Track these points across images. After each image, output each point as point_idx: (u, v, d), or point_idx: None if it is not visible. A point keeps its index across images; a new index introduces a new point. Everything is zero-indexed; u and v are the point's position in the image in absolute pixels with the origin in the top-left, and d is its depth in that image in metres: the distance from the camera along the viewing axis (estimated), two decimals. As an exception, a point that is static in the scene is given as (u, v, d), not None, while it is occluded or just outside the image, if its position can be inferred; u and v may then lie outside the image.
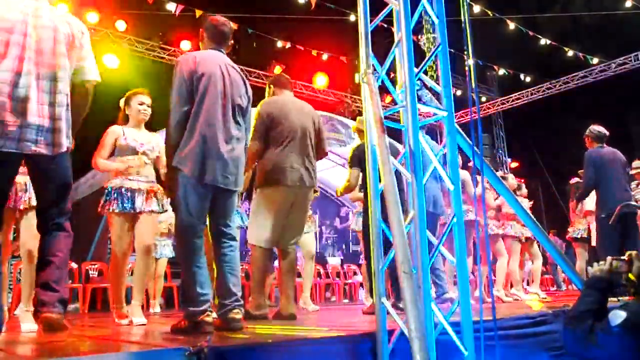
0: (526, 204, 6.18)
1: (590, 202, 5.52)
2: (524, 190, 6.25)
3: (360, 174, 3.85)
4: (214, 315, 2.52)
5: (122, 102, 3.63)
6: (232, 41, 2.91)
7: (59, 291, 2.15)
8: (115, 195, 3.41)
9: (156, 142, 3.62)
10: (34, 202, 2.88)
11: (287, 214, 3.47)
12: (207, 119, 2.54)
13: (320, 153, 3.70)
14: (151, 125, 3.69)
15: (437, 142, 4.12)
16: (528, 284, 7.08)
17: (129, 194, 3.43)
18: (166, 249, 6.21)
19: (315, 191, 3.67)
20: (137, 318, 3.39)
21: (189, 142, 2.51)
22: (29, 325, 2.89)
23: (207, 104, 2.55)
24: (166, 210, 3.71)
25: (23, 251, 3.13)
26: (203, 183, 2.50)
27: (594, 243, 5.83)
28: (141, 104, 3.57)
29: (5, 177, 2.24)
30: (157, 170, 3.63)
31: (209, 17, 2.87)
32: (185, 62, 2.59)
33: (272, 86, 3.74)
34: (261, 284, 3.45)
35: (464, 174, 5.07)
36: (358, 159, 3.82)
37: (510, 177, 6.25)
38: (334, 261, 10.74)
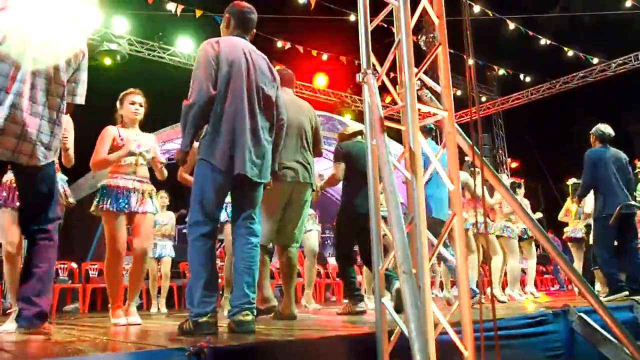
0: (526, 203, 6.22)
1: (591, 204, 5.54)
2: (522, 190, 6.30)
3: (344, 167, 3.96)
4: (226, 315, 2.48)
5: (118, 103, 3.63)
6: (255, 30, 2.80)
7: (40, 305, 2.17)
8: (110, 193, 3.38)
9: (152, 143, 3.61)
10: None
11: (282, 210, 3.43)
12: (233, 107, 2.46)
13: (317, 152, 3.67)
14: (146, 125, 3.70)
15: (436, 142, 4.13)
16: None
17: (124, 192, 3.41)
18: (167, 249, 6.21)
19: (313, 190, 3.61)
20: (132, 317, 3.41)
21: (214, 132, 2.44)
22: (7, 326, 2.79)
23: (232, 92, 2.48)
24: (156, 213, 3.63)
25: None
26: (231, 174, 2.43)
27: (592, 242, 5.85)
28: (132, 103, 3.55)
29: None
30: (151, 171, 3.62)
31: (234, 3, 2.76)
32: (209, 46, 2.51)
33: None
34: (265, 280, 3.43)
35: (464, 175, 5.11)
36: (342, 155, 3.98)
37: (504, 176, 6.28)
38: (334, 261, 10.73)
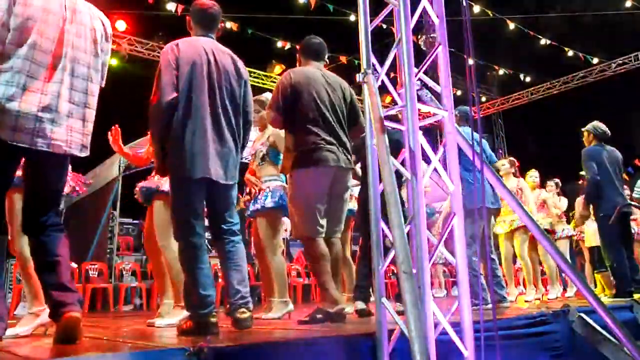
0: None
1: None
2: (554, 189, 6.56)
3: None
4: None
5: None
6: (222, 24, 2.79)
7: (76, 291, 2.04)
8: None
9: None
10: None
11: (328, 198, 3.03)
12: (194, 109, 2.44)
13: (356, 131, 3.27)
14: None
15: (437, 142, 4.12)
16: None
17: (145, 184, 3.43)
18: None
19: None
20: (158, 319, 3.19)
21: (178, 135, 2.41)
22: (15, 330, 2.57)
23: (193, 93, 2.46)
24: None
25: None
26: (196, 178, 2.40)
27: (590, 244, 5.87)
28: None
29: (13, 170, 2.12)
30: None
31: (194, 3, 2.74)
32: (169, 49, 2.51)
33: (298, 55, 3.35)
34: (328, 276, 2.95)
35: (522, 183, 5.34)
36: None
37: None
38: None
